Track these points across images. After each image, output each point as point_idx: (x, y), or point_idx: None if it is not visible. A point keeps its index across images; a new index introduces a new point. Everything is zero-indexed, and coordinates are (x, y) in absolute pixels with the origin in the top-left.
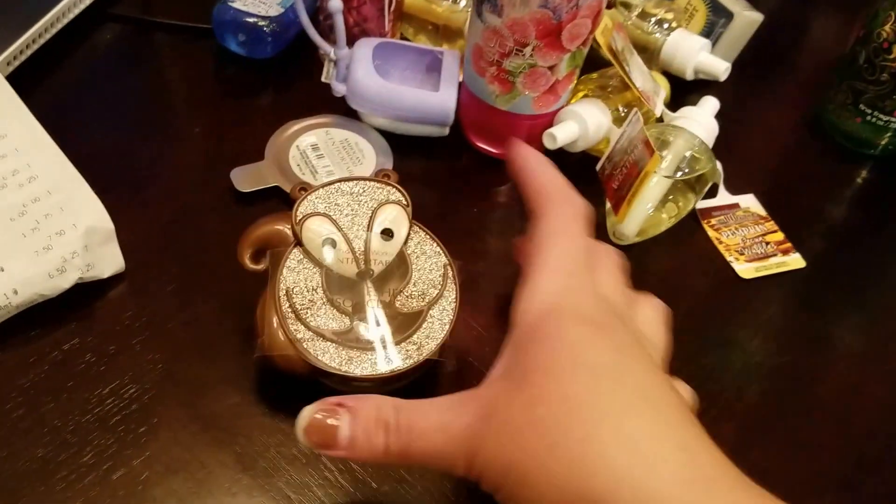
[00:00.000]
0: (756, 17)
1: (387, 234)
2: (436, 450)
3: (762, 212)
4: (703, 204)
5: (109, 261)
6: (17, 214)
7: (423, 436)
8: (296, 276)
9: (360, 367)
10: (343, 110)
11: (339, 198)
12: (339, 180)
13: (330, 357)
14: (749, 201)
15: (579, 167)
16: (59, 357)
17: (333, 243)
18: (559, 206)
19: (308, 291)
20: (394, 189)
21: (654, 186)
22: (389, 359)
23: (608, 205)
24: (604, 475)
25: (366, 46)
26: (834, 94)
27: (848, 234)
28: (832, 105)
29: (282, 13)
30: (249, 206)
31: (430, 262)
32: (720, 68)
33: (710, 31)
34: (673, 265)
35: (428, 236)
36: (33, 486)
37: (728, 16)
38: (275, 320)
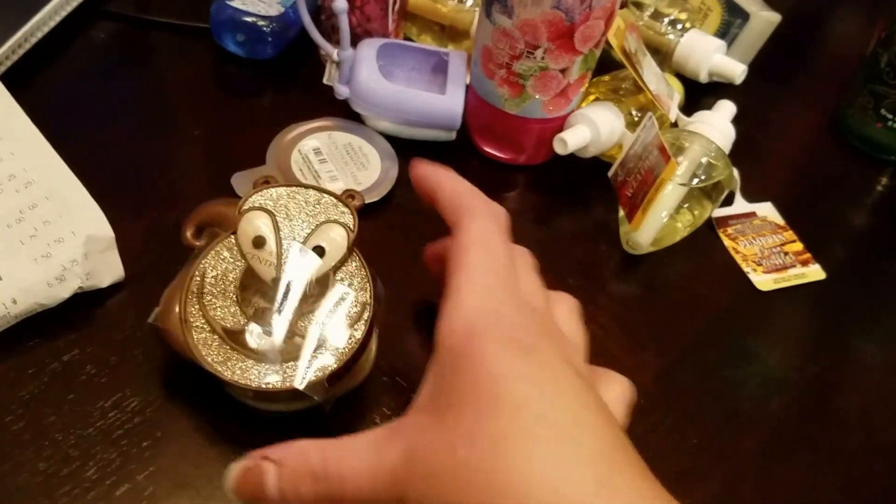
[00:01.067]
0: (773, 18)
1: (318, 251)
2: (366, 496)
3: (780, 220)
4: (719, 212)
5: (109, 269)
6: (15, 221)
7: (352, 482)
8: (219, 262)
9: (230, 370)
10: (346, 113)
11: (291, 202)
12: (304, 186)
13: (208, 350)
14: (766, 209)
15: (591, 173)
16: (58, 368)
17: (262, 242)
18: (475, 214)
19: (222, 282)
20: (348, 211)
21: (669, 194)
22: (264, 374)
23: (621, 212)
24: None
25: (370, 47)
26: (854, 98)
27: (868, 244)
28: (852, 109)
29: (282, 12)
30: None
31: (352, 297)
32: (736, 71)
33: (725, 32)
34: (689, 276)
35: (363, 270)
36: (37, 501)
37: (744, 16)
38: (178, 296)
